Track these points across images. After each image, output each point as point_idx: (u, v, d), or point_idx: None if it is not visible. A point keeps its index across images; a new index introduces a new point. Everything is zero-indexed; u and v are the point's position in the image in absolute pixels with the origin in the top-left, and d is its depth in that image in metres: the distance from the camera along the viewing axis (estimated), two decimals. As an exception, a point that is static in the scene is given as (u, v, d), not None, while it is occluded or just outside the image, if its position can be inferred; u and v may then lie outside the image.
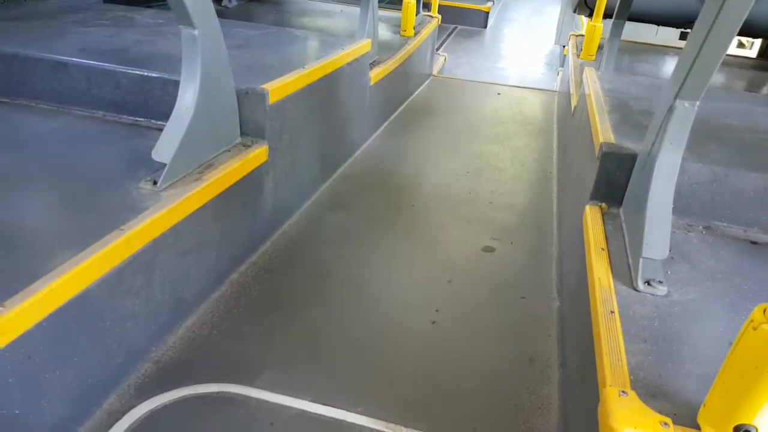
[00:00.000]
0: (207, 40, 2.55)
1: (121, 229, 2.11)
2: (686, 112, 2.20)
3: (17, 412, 1.76)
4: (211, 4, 2.60)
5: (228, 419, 2.12)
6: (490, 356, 2.58)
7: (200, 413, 2.14)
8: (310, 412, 2.18)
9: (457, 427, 2.19)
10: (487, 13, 10.87)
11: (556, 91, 6.81)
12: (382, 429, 2.15)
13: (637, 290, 2.02)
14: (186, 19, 2.47)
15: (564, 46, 8.26)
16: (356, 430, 2.14)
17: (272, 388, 2.26)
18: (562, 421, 2.20)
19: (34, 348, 1.77)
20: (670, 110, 2.21)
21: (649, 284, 2.04)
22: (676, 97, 2.18)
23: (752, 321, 1.31)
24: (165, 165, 2.45)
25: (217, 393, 2.22)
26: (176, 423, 2.10)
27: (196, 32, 2.49)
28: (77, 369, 1.98)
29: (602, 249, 2.24)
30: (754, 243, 2.47)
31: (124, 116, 3.10)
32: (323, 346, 2.54)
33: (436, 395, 2.34)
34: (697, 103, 2.19)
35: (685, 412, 1.52)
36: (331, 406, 2.21)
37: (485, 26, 10.89)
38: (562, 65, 7.30)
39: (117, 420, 2.07)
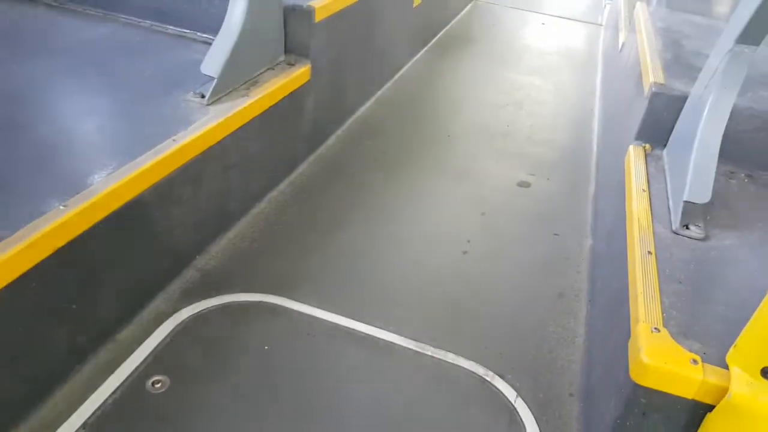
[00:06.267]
0: (258, -47, 2.52)
1: (174, 140, 2.16)
2: (744, 56, 2.15)
3: (74, 306, 1.87)
4: None
5: (268, 327, 2.24)
6: (520, 288, 2.64)
7: (241, 320, 2.25)
8: (346, 326, 2.28)
9: (484, 351, 2.27)
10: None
11: (601, 25, 6.58)
12: (412, 347, 2.25)
13: (676, 233, 2.04)
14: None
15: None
16: (388, 346, 2.24)
17: (309, 302, 2.36)
18: (588, 354, 2.28)
19: (92, 247, 1.86)
20: (728, 53, 2.16)
21: (687, 227, 2.06)
22: (735, 41, 2.13)
23: (792, 269, 1.34)
24: (212, 79, 2.47)
25: (258, 302, 2.33)
26: (218, 327, 2.21)
27: (248, -57, 2.46)
28: (128, 269, 2.09)
29: (644, 190, 2.25)
30: None
31: (170, 27, 3.09)
32: (357, 268, 2.62)
33: (464, 321, 2.42)
34: (757, 48, 2.14)
35: (714, 352, 1.57)
36: (364, 323, 2.31)
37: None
38: (611, -1, 7.02)
39: (163, 321, 2.19)
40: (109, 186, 1.87)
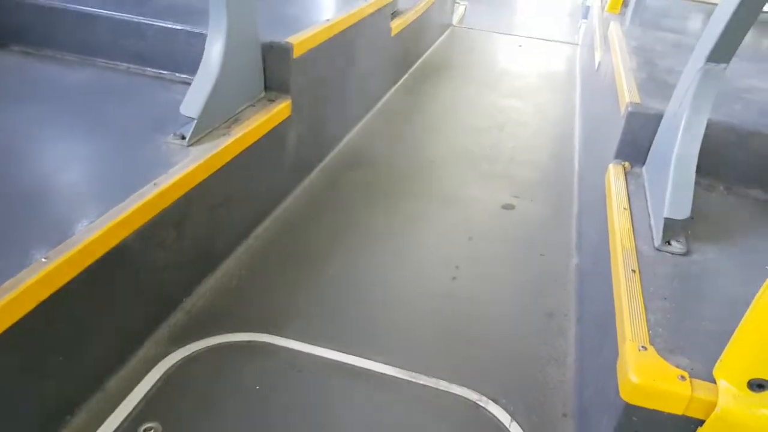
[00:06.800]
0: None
1: (155, 184, 2.17)
2: (715, 74, 2.19)
3: (60, 359, 1.86)
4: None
5: (259, 366, 2.22)
6: (509, 311, 2.65)
7: (232, 361, 2.24)
8: (337, 361, 2.27)
9: (477, 376, 2.27)
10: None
11: (577, 44, 6.70)
12: (404, 377, 2.24)
13: (658, 250, 2.06)
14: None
15: (587, -2, 8.07)
16: (380, 377, 2.23)
17: (300, 338, 2.35)
18: (579, 374, 2.28)
19: (76, 297, 1.86)
20: (699, 71, 2.20)
21: (669, 244, 2.08)
22: (706, 59, 2.17)
23: (771, 282, 1.36)
24: (192, 119, 2.49)
25: (248, 342, 2.32)
26: (209, 370, 2.20)
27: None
28: (115, 317, 2.08)
29: (625, 208, 2.27)
30: None
31: (149, 69, 3.12)
32: (346, 300, 2.62)
33: (456, 346, 2.42)
34: (727, 65, 2.18)
35: (701, 367, 1.57)
36: (356, 356, 2.30)
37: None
38: (585, 17, 7.15)
39: (152, 367, 2.17)
40: (90, 235, 1.86)
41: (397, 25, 4.70)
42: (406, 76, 5.30)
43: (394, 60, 4.92)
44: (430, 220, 3.27)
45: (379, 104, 4.64)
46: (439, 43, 6.35)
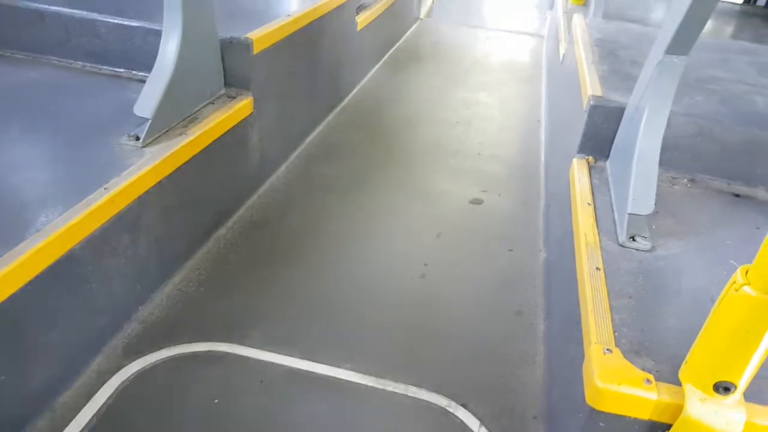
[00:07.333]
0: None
1: (105, 188, 2.08)
2: (674, 66, 2.17)
3: (3, 377, 1.76)
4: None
5: (218, 378, 2.14)
6: (478, 309, 2.61)
7: (190, 372, 2.16)
8: (300, 369, 2.21)
9: (446, 379, 2.22)
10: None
11: (544, 36, 6.68)
12: (371, 384, 2.18)
13: (622, 246, 2.03)
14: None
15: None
16: (345, 385, 2.17)
17: (261, 346, 2.28)
18: (548, 373, 2.25)
19: (22, 309, 1.76)
20: (659, 65, 2.18)
21: (634, 239, 2.05)
22: (665, 52, 2.15)
23: (734, 283, 1.33)
24: (146, 119, 2.39)
25: (207, 352, 2.24)
26: (166, 382, 2.11)
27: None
28: (63, 330, 1.98)
29: (588, 204, 2.24)
30: (737, 196, 2.49)
31: (105, 67, 3.01)
32: (311, 304, 2.55)
33: (424, 349, 2.37)
34: (686, 57, 2.16)
35: (667, 368, 1.55)
36: (321, 363, 2.24)
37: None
38: (551, 8, 7.15)
39: (105, 381, 2.08)
40: (35, 244, 1.77)
41: (363, 19, 4.62)
42: (373, 70, 5.23)
43: (361, 55, 4.84)
44: (398, 217, 3.21)
45: (347, 99, 4.57)
46: (407, 36, 6.28)
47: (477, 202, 3.41)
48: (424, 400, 2.14)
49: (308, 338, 2.35)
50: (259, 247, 2.84)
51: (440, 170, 3.71)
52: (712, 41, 3.92)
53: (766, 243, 1.26)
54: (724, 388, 1.41)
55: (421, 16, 7.01)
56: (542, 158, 3.95)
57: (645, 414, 1.49)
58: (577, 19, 3.87)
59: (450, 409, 2.11)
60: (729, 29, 5.29)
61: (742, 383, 1.41)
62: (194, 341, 2.26)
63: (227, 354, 2.23)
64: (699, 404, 1.43)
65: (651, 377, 1.51)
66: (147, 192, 2.25)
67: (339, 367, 2.23)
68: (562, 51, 4.43)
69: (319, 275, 2.71)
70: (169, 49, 2.50)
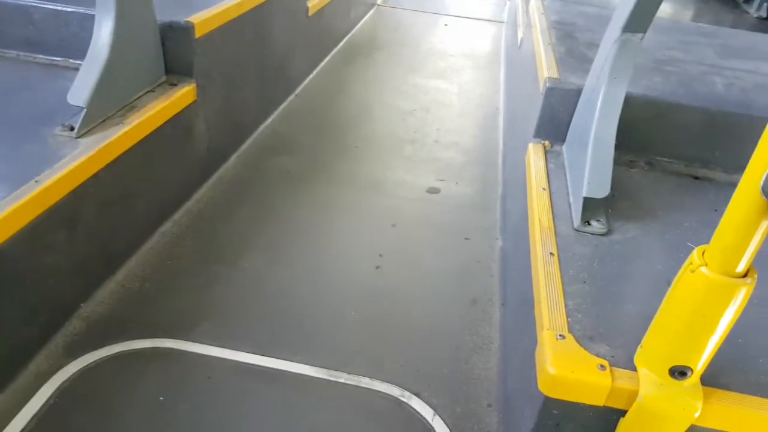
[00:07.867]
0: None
1: (36, 181, 1.95)
2: (631, 45, 2.13)
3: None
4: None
5: (163, 375, 2.05)
6: (434, 299, 2.55)
7: (134, 370, 2.06)
8: (249, 364, 2.12)
9: (400, 370, 2.17)
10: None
11: (504, 22, 6.66)
12: (324, 376, 2.11)
13: (577, 230, 1.99)
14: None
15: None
16: (298, 378, 2.10)
17: (209, 341, 2.18)
18: (503, 361, 2.20)
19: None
20: (615, 43, 2.14)
21: (589, 224, 2.01)
22: (622, 29, 2.11)
23: (690, 264, 1.29)
24: (82, 109, 2.26)
25: (151, 348, 2.13)
26: (108, 381, 2.01)
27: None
28: (-5, 331, 1.86)
29: (544, 189, 2.20)
30: (695, 178, 2.47)
31: (40, 56, 2.84)
32: (263, 296, 2.46)
33: (378, 340, 2.31)
34: (643, 35, 2.12)
35: (622, 354, 1.51)
36: (271, 357, 2.15)
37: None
38: (511, -5, 7.13)
39: (44, 382, 1.97)
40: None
41: (314, 4, 4.50)
42: (328, 57, 5.12)
43: (313, 41, 4.72)
44: (353, 208, 3.14)
45: (300, 87, 4.45)
46: (363, 22, 6.18)
47: (434, 191, 3.35)
48: (377, 390, 2.08)
49: (259, 333, 2.26)
50: (208, 241, 2.73)
51: (396, 159, 3.64)
52: (670, 24, 3.92)
53: (722, 223, 1.22)
54: (680, 372, 1.38)
55: (378, 1, 6.91)
56: (500, 145, 3.91)
57: (599, 400, 1.45)
58: (535, 3, 3.83)
59: (404, 399, 2.05)
60: (689, 13, 5.33)
61: (699, 367, 1.37)
62: (138, 338, 2.16)
63: (173, 350, 2.13)
64: (655, 389, 1.39)
65: (605, 363, 1.47)
66: (83, 184, 2.13)
67: (290, 360, 2.15)
68: (520, 36, 4.39)
69: (270, 269, 2.62)
70: (102, 34, 2.36)
